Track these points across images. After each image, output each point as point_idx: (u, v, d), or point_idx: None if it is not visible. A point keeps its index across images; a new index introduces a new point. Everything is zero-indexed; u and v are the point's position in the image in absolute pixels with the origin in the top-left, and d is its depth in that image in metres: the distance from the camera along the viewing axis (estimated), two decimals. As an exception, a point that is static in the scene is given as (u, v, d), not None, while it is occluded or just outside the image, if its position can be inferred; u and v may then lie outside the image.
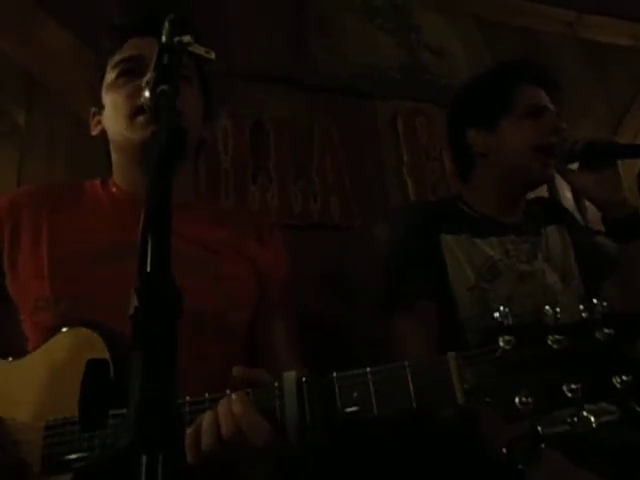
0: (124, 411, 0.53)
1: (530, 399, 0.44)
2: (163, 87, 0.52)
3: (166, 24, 0.52)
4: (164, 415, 0.29)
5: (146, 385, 0.29)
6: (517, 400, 0.45)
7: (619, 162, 1.05)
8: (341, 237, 1.57)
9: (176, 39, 0.50)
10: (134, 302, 0.33)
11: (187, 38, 0.50)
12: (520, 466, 0.72)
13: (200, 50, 0.52)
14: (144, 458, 0.27)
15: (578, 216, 1.50)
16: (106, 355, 0.64)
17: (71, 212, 0.90)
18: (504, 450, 0.73)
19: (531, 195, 1.26)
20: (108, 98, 0.94)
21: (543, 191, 1.68)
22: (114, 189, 0.96)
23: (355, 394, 0.50)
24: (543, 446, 0.74)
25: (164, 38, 0.54)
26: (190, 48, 0.51)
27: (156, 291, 0.34)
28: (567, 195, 1.83)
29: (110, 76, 0.94)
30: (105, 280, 0.79)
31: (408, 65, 1.85)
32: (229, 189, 1.49)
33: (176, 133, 0.47)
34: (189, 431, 0.53)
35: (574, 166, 1.09)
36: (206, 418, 0.52)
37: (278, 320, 0.94)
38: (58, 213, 0.89)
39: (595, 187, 1.04)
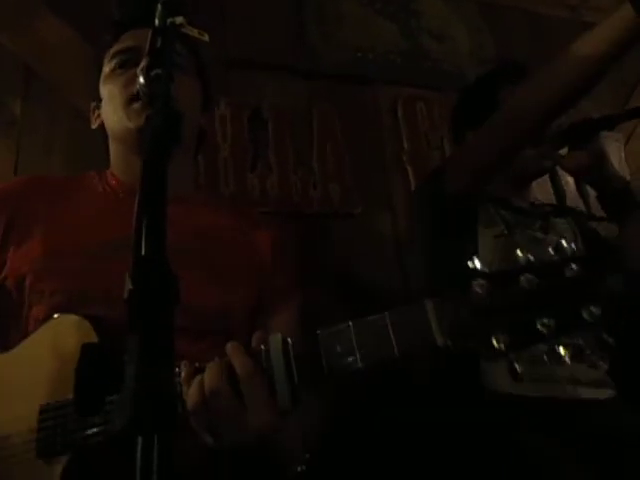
0: (114, 396, 0.54)
1: (506, 337, 0.46)
2: (157, 71, 0.51)
3: (159, 7, 0.51)
4: (160, 397, 0.29)
5: (142, 368, 0.29)
6: (494, 339, 0.46)
7: (604, 138, 1.14)
8: (341, 224, 1.57)
9: (169, 20, 0.50)
10: (128, 285, 0.33)
11: (180, 19, 0.49)
12: None
13: (193, 32, 0.51)
14: (140, 439, 0.27)
15: (580, 202, 1.50)
16: (94, 339, 0.64)
17: (68, 205, 0.89)
18: None
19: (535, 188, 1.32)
20: (105, 89, 0.94)
21: (545, 177, 1.67)
22: (112, 181, 0.96)
23: (339, 348, 0.51)
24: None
25: (157, 21, 0.53)
26: (183, 30, 0.50)
27: (150, 275, 0.33)
28: (569, 180, 1.81)
29: (107, 68, 0.94)
30: (102, 274, 0.78)
31: (409, 50, 1.83)
32: (228, 178, 1.49)
33: (171, 116, 0.46)
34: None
35: (564, 151, 1.16)
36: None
37: (279, 307, 0.93)
38: (54, 206, 0.88)
39: (586, 164, 1.11)
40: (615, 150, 1.95)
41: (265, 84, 1.62)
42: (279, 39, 1.69)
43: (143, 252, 0.35)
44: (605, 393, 1.02)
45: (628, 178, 1.98)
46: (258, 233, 0.95)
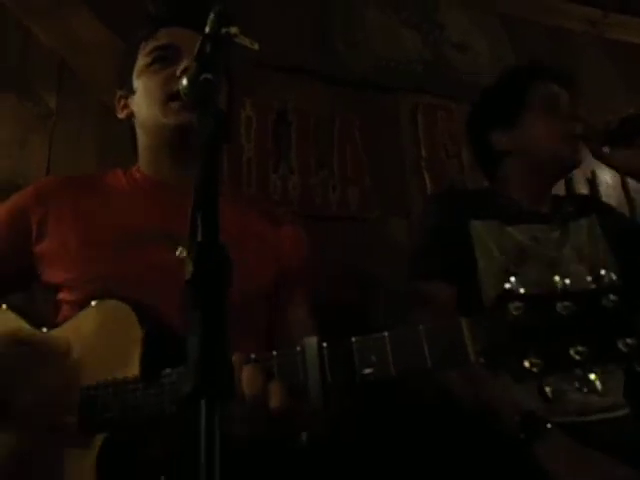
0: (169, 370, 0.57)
1: (538, 361, 0.47)
2: (207, 76, 0.55)
3: (212, 15, 0.55)
4: (221, 366, 0.32)
5: (204, 340, 0.33)
6: (526, 362, 0.47)
7: None
8: (358, 228, 1.60)
9: (224, 30, 0.53)
10: (190, 268, 0.36)
11: (234, 29, 0.53)
12: (523, 437, 0.76)
13: (245, 41, 0.55)
14: (203, 403, 0.31)
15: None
16: (135, 324, 0.68)
17: (97, 200, 0.93)
18: (514, 426, 0.77)
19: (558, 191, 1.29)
20: (140, 83, 0.96)
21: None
22: (138, 175, 0.99)
23: (373, 357, 0.53)
24: (549, 426, 0.78)
25: (208, 29, 0.57)
26: (236, 39, 0.54)
27: (209, 258, 0.37)
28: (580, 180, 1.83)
29: (144, 62, 0.96)
30: (130, 263, 0.83)
31: (431, 60, 1.87)
32: (251, 178, 1.53)
33: (220, 118, 0.50)
34: None
35: (606, 149, 1.12)
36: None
37: (294, 302, 0.95)
38: (85, 201, 0.92)
39: (632, 161, 1.07)
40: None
41: (290, 88, 1.66)
42: (305, 45, 1.73)
43: (200, 238, 0.39)
44: (619, 413, 1.01)
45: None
46: (279, 231, 0.99)
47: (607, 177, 1.88)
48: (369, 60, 1.77)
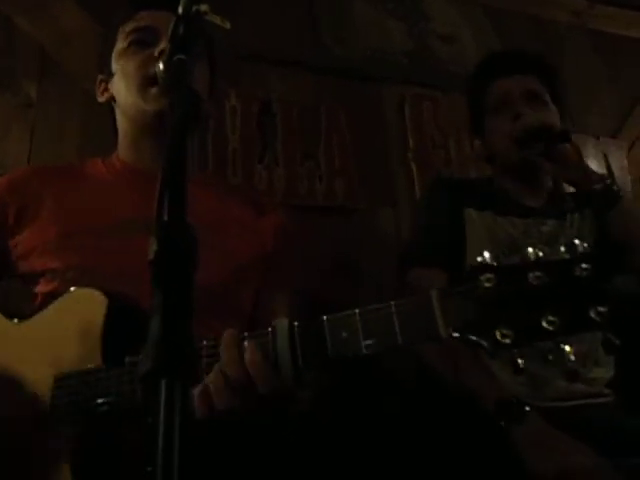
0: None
1: (510, 332, 0.46)
2: (180, 56, 0.54)
3: (183, -5, 0.54)
4: (181, 346, 0.31)
5: (166, 319, 0.32)
6: (498, 334, 0.46)
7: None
8: (345, 219, 1.60)
9: (194, 8, 0.52)
10: (154, 247, 0.35)
11: (204, 7, 0.52)
12: (503, 423, 0.76)
13: (216, 19, 0.54)
14: (163, 383, 0.30)
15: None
16: (104, 308, 0.67)
17: (76, 189, 0.92)
18: (493, 409, 0.77)
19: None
20: (119, 65, 0.95)
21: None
22: (118, 163, 0.98)
23: (344, 334, 0.52)
24: (528, 409, 0.78)
25: (181, 9, 0.56)
26: (207, 17, 0.53)
27: (174, 237, 0.36)
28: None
29: (122, 44, 0.95)
30: (110, 252, 0.82)
31: (416, 51, 1.86)
32: (236, 168, 1.52)
33: (193, 100, 0.49)
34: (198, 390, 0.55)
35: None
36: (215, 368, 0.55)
37: (276, 290, 0.95)
38: (63, 190, 0.91)
39: (560, 167, 1.12)
40: (617, 157, 1.98)
41: (275, 78, 1.65)
42: (291, 35, 1.72)
43: (166, 217, 0.38)
44: (602, 400, 1.02)
45: (629, 185, 2.00)
46: (262, 219, 0.98)
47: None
48: (356, 51, 1.76)
